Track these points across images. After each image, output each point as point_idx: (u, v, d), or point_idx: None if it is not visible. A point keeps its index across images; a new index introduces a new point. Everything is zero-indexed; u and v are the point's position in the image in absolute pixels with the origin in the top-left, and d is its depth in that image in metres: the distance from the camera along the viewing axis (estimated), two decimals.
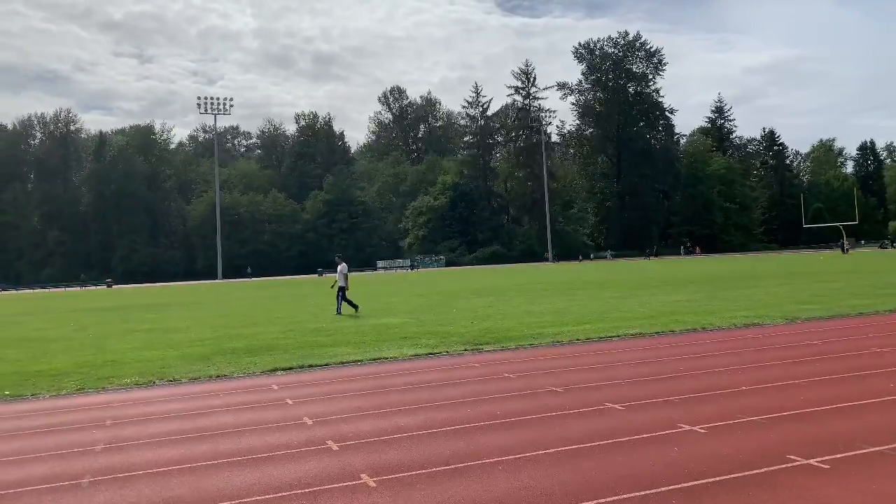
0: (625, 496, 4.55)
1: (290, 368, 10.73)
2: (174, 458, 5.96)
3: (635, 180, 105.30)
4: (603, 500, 4.49)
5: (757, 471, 4.95)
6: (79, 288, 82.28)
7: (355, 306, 20.80)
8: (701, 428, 6.13)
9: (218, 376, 10.30)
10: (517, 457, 5.51)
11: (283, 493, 4.91)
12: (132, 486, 5.25)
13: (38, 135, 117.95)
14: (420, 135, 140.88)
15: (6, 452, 6.43)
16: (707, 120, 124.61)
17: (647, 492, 4.61)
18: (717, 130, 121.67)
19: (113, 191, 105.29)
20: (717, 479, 4.82)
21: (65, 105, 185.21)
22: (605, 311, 17.34)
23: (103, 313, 27.29)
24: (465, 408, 7.34)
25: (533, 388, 8.27)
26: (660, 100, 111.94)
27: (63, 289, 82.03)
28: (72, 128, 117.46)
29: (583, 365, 9.78)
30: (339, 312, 20.38)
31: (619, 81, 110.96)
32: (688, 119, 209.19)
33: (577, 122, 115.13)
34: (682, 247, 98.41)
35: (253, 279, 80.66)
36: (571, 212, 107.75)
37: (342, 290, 20.90)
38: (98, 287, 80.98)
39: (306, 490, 4.95)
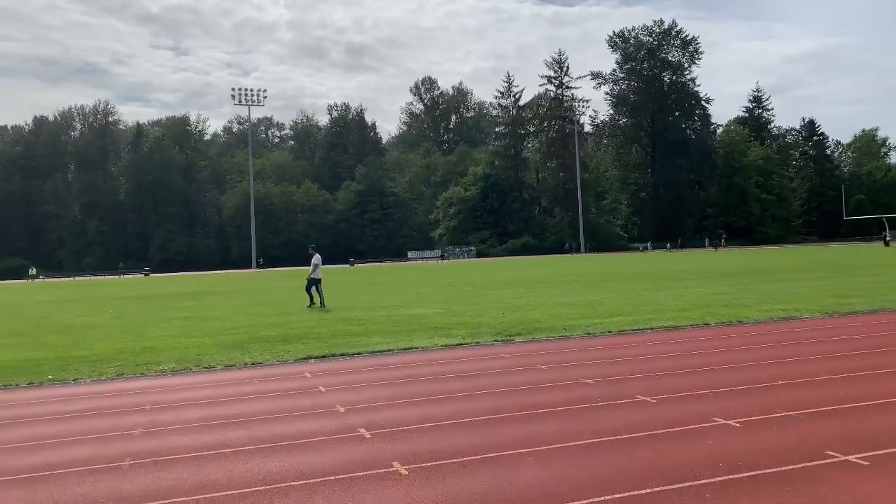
0: (657, 489, 4.52)
1: (323, 357, 10.85)
2: (210, 443, 6.08)
3: (670, 171, 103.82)
4: (634, 493, 4.47)
5: (794, 466, 4.87)
6: (117, 276, 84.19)
7: (312, 301, 20.19)
8: (735, 422, 6.05)
9: (252, 363, 10.47)
10: (548, 447, 5.50)
11: (317, 480, 4.98)
12: (170, 469, 5.37)
13: (79, 126, 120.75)
14: (451, 125, 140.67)
15: (50, 435, 6.63)
16: (744, 110, 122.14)
17: (680, 485, 4.57)
18: (754, 120, 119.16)
19: (150, 181, 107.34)
20: (752, 473, 4.75)
21: (103, 97, 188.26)
22: (637, 304, 17.17)
23: (141, 301, 27.89)
24: (495, 398, 7.35)
25: (564, 379, 8.25)
26: (696, 89, 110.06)
27: (102, 277, 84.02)
28: (110, 119, 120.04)
29: (615, 357, 9.71)
30: (322, 304, 19.97)
31: (654, 70, 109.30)
32: (724, 109, 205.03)
33: (611, 111, 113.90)
34: (706, 239, 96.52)
35: (266, 269, 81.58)
36: (604, 203, 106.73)
37: (316, 281, 20.29)
38: (136, 275, 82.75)
39: (339, 477, 5.02)
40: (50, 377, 9.92)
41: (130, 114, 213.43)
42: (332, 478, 5.01)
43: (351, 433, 6.20)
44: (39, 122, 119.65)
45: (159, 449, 5.95)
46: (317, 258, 20.64)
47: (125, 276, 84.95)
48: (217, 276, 60.91)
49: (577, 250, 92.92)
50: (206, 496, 4.74)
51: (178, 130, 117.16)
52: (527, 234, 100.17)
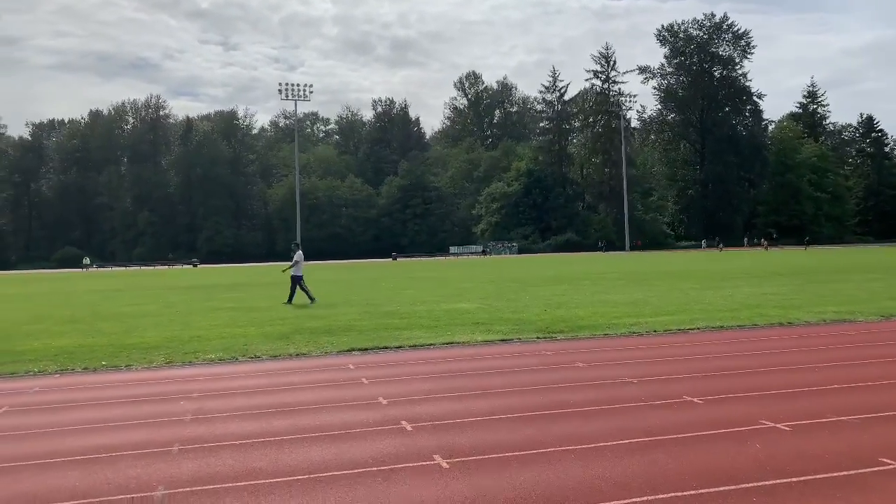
0: (702, 491, 4.44)
1: (366, 349, 10.96)
2: (255, 431, 6.21)
3: (719, 168, 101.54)
4: (678, 494, 4.40)
5: (845, 472, 4.73)
6: (167, 267, 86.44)
7: (290, 299, 19.78)
8: (785, 425, 5.90)
9: (297, 354, 10.64)
10: (590, 446, 5.46)
11: (359, 470, 5.04)
12: (217, 455, 5.51)
13: (131, 120, 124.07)
14: (495, 120, 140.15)
15: (104, 419, 6.86)
16: (798, 105, 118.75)
17: (726, 488, 4.48)
18: (808, 116, 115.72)
19: (199, 174, 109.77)
20: (802, 478, 4.63)
21: (155, 91, 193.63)
22: (684, 303, 16.87)
23: (189, 291, 28.59)
24: (537, 395, 7.32)
25: (607, 378, 8.16)
26: (747, 84, 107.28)
27: (152, 267, 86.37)
28: (161, 113, 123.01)
29: (660, 357, 9.57)
30: (289, 302, 19.60)
31: (704, 65, 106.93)
32: (777, 104, 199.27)
33: (659, 107, 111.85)
34: (744, 238, 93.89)
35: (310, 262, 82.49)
36: (650, 200, 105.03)
37: (299, 278, 19.98)
38: (184, 266, 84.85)
39: (381, 468, 5.07)
40: (104, 363, 10.25)
41: (180, 108, 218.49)
42: (374, 469, 5.06)
43: (393, 425, 6.25)
44: (95, 115, 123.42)
45: (207, 435, 6.10)
46: (298, 255, 20.38)
47: (174, 266, 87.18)
48: (263, 268, 62.01)
49: (608, 248, 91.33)
50: (251, 482, 4.84)
51: (227, 125, 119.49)
52: (570, 230, 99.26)
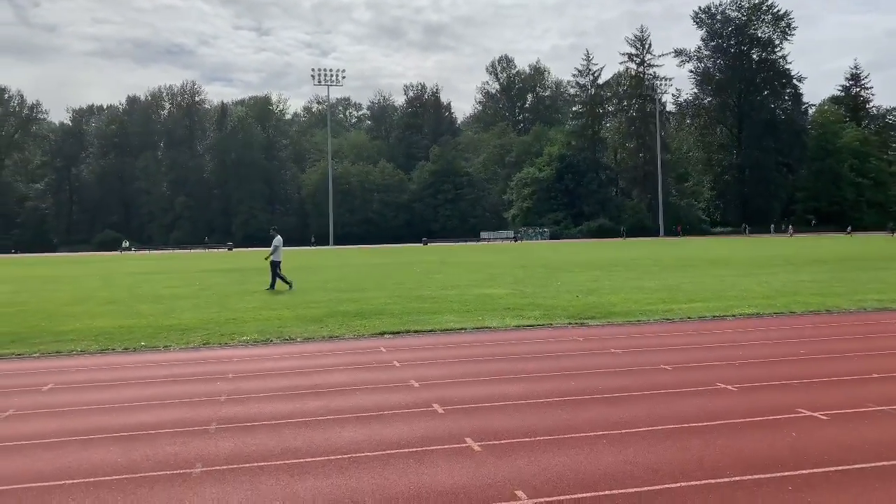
0: (736, 478, 4.40)
1: (397, 333, 11.04)
2: (290, 411, 6.31)
3: (757, 153, 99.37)
4: (713, 481, 4.37)
5: (885, 463, 4.64)
6: (203, 250, 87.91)
7: (272, 285, 19.71)
8: (822, 414, 5.80)
9: (330, 337, 10.76)
10: (623, 431, 5.44)
11: (391, 451, 5.10)
12: (253, 435, 5.61)
13: (167, 106, 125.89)
14: (527, 105, 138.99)
15: (143, 397, 7.04)
16: (840, 88, 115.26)
17: (760, 476, 4.43)
18: (851, 99, 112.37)
19: (233, 159, 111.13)
20: (839, 468, 4.56)
21: (190, 77, 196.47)
22: (720, 290, 16.62)
23: (225, 274, 29.06)
24: (569, 380, 7.30)
25: (640, 364, 8.10)
26: (787, 67, 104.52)
27: (188, 250, 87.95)
28: (196, 99, 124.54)
29: (694, 343, 9.46)
30: (272, 287, 19.50)
31: (742, 48, 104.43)
32: (818, 87, 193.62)
33: (695, 90, 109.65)
34: (772, 224, 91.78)
35: (322, 247, 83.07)
36: (686, 185, 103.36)
37: (276, 264, 19.95)
38: (220, 250, 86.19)
39: (413, 450, 5.12)
40: (143, 344, 10.50)
41: (215, 93, 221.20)
42: (406, 450, 5.11)
43: (424, 408, 6.30)
44: (132, 101, 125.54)
45: (243, 415, 6.22)
46: (277, 240, 20.33)
47: (210, 249, 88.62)
48: (296, 252, 62.67)
49: (627, 235, 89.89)
50: (286, 462, 4.93)
51: (260, 110, 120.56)
52: (603, 216, 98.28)
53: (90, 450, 5.33)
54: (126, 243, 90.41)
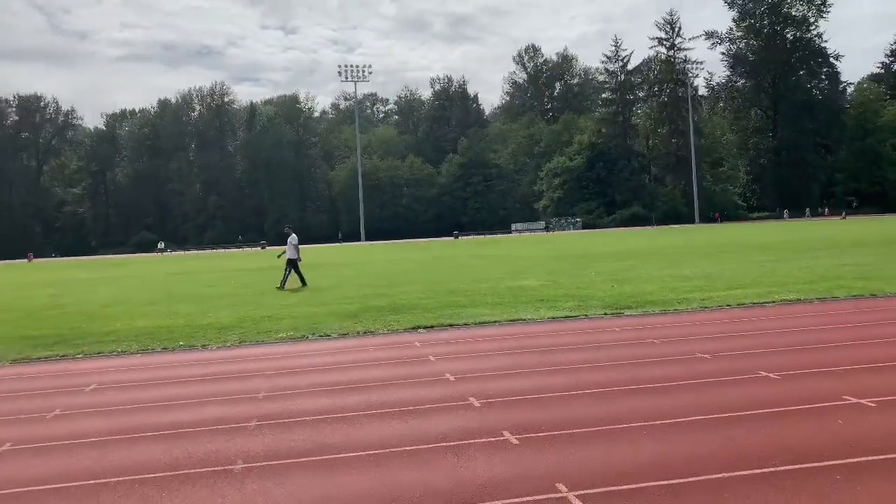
0: (782, 468, 4.29)
1: (431, 327, 11.03)
2: (327, 407, 6.35)
3: (793, 134, 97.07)
4: (757, 471, 4.26)
5: None
6: (236, 249, 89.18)
7: (282, 284, 19.63)
8: (870, 401, 5.63)
9: (365, 332, 10.82)
10: (663, 422, 5.35)
11: (430, 445, 5.09)
12: (291, 431, 5.66)
13: (197, 107, 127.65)
14: (555, 93, 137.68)
15: (183, 396, 7.15)
16: (880, 65, 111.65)
17: (807, 465, 4.32)
18: (892, 77, 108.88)
19: (263, 158, 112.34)
20: (889, 456, 4.42)
21: (218, 78, 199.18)
22: (759, 276, 16.29)
23: (259, 273, 29.41)
24: (607, 371, 7.22)
25: (679, 353, 7.97)
26: (823, 45, 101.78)
27: (223, 250, 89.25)
28: (225, 100, 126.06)
29: (734, 331, 9.28)
30: (282, 287, 19.34)
31: (776, 27, 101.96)
32: (857, 65, 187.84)
33: (728, 73, 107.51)
34: (807, 208, 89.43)
35: (350, 243, 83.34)
36: (720, 170, 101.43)
37: (293, 262, 19.99)
38: (253, 248, 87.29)
39: (451, 443, 5.10)
40: (181, 343, 10.67)
41: (244, 93, 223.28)
42: (444, 444, 5.10)
43: (461, 401, 6.28)
44: (163, 104, 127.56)
45: (281, 412, 6.27)
46: (293, 238, 20.35)
47: (243, 249, 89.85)
48: (328, 249, 63.22)
49: (658, 223, 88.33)
50: (325, 457, 4.96)
51: (289, 108, 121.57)
52: (636, 204, 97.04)
53: (134, 448, 5.42)
54: (161, 244, 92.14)
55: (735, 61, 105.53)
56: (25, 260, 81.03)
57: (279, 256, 20.71)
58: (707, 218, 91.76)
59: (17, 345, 11.13)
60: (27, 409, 6.93)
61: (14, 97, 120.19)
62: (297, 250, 20.37)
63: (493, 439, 5.15)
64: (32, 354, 10.25)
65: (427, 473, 4.52)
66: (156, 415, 6.41)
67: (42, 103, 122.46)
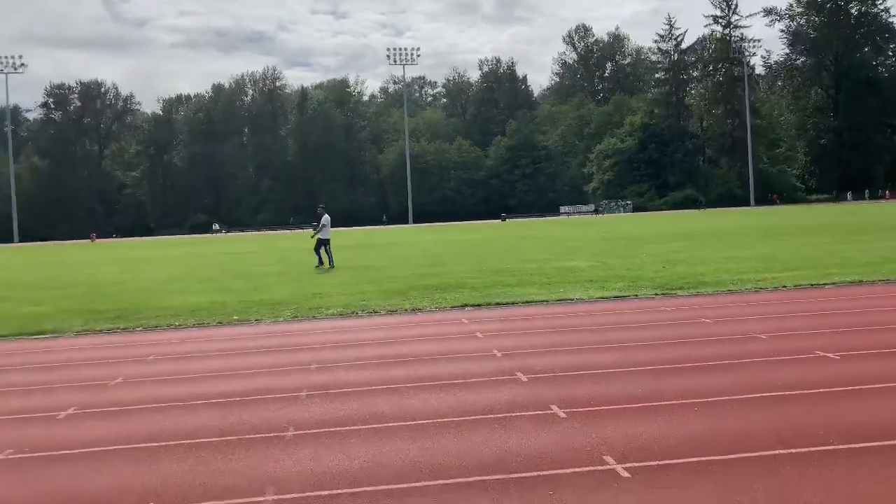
0: (840, 447, 4.16)
1: (479, 305, 11.05)
2: (376, 379, 6.44)
3: (857, 114, 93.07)
4: (814, 449, 4.15)
5: None
6: (288, 231, 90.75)
7: (331, 262, 19.71)
8: None
9: (413, 309, 10.90)
10: (715, 399, 5.25)
11: (476, 417, 5.12)
12: (342, 401, 5.76)
13: (250, 92, 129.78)
14: (606, 74, 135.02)
15: (237, 367, 7.35)
16: None
17: (867, 444, 4.18)
18: None
19: (314, 142, 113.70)
20: None
21: (270, 63, 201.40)
22: (816, 258, 15.77)
23: (310, 252, 29.84)
24: (657, 350, 7.11)
25: (732, 333, 7.79)
26: (890, 20, 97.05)
27: (275, 231, 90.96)
28: (277, 84, 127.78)
29: (790, 312, 9.02)
30: (321, 264, 19.58)
31: (839, 2, 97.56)
32: None
33: (787, 51, 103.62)
34: (867, 189, 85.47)
35: (390, 226, 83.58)
36: (777, 151, 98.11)
37: (323, 241, 19.97)
38: (305, 230, 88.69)
39: (498, 416, 5.12)
40: (235, 318, 10.95)
41: (295, 78, 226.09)
42: (490, 416, 5.12)
43: (508, 376, 6.28)
44: (217, 89, 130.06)
45: (331, 383, 6.39)
46: (325, 218, 20.34)
47: (295, 230, 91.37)
48: (377, 231, 63.81)
49: (707, 206, 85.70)
50: (374, 426, 5.03)
51: (339, 92, 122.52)
52: (689, 186, 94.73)
53: (190, 414, 5.61)
54: (216, 226, 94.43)
55: (795, 38, 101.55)
56: (89, 240, 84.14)
57: (312, 237, 20.89)
58: (764, 200, 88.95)
59: (81, 317, 11.60)
60: (91, 376, 7.24)
61: (76, 83, 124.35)
62: (325, 230, 20.38)
63: (540, 412, 5.14)
64: (95, 326, 10.67)
65: (474, 444, 4.55)
66: (211, 384, 6.61)
67: (102, 89, 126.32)
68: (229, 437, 4.95)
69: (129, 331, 10.27)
